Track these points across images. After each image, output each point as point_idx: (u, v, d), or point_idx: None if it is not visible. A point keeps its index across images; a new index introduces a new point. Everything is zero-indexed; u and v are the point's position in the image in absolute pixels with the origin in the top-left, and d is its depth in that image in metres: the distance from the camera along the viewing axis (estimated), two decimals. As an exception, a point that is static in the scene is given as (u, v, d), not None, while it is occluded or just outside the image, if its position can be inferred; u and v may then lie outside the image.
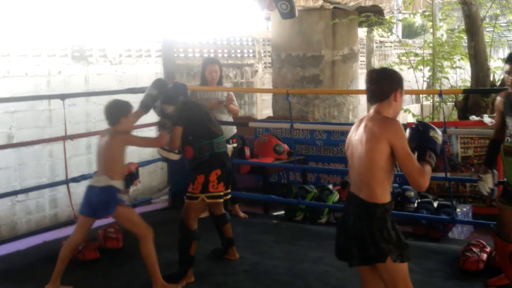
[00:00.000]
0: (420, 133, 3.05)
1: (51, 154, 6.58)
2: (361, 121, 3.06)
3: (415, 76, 9.27)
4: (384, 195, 2.93)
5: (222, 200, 4.56)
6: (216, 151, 4.43)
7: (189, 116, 4.42)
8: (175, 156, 4.55)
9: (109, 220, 6.12)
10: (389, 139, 2.86)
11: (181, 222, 4.48)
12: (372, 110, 3.05)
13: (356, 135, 3.02)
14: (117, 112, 4.19)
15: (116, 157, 4.16)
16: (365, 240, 2.92)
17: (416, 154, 2.99)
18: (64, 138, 5.55)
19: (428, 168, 2.95)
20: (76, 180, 5.70)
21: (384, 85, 3.00)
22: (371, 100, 3.05)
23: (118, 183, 4.17)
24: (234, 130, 6.40)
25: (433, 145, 3.02)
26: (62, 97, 5.67)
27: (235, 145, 6.20)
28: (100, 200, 4.11)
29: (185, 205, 4.50)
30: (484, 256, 4.50)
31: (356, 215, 2.97)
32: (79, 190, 6.84)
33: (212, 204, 4.67)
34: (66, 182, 5.61)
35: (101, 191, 4.11)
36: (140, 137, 4.27)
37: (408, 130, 3.11)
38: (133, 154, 7.55)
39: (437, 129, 3.08)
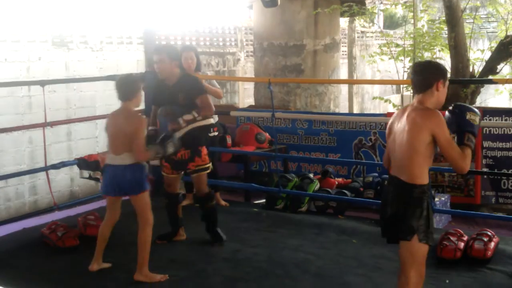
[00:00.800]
0: (458, 116, 3.21)
1: (30, 141, 6.54)
2: (404, 110, 3.24)
3: (396, 66, 9.33)
4: (422, 178, 3.15)
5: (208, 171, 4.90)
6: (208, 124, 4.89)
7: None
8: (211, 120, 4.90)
9: (90, 206, 6.15)
10: (431, 129, 3.07)
11: (208, 193, 4.80)
12: (415, 100, 3.22)
13: (399, 123, 3.21)
14: (132, 89, 4.15)
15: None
16: (399, 218, 3.15)
17: (455, 137, 3.18)
18: (44, 125, 5.51)
19: (468, 151, 3.14)
20: (56, 167, 5.67)
21: (427, 75, 3.18)
22: (415, 90, 3.23)
23: (144, 162, 4.22)
24: (215, 118, 6.39)
25: (470, 128, 3.19)
26: (42, 83, 5.62)
27: (216, 133, 6.20)
28: (128, 178, 4.09)
29: (200, 177, 4.76)
30: (461, 245, 4.57)
31: (395, 195, 3.21)
32: (59, 177, 6.84)
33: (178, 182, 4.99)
34: (46, 169, 5.58)
35: (128, 169, 4.07)
36: (142, 137, 4.11)
37: (446, 114, 3.26)
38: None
39: (474, 110, 3.24)
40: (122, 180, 4.11)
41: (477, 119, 3.20)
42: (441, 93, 3.19)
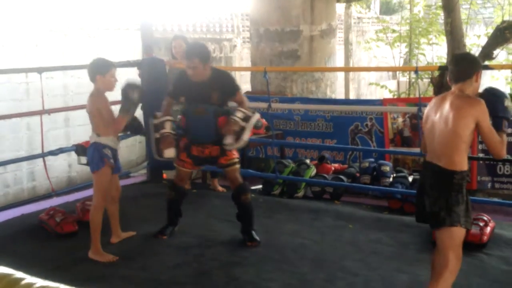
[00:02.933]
0: (496, 102, 3.37)
1: (28, 127, 6.55)
2: (444, 98, 3.36)
3: (392, 52, 9.34)
4: (462, 164, 3.25)
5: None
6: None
7: None
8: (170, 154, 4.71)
9: (88, 192, 6.17)
10: (476, 116, 3.18)
11: (244, 184, 4.78)
12: (455, 89, 3.35)
13: (440, 111, 3.31)
14: (94, 70, 4.30)
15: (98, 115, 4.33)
16: (440, 203, 3.23)
17: (491, 122, 3.30)
18: (42, 112, 5.52)
19: (505, 137, 3.30)
20: (53, 153, 5.68)
21: (467, 66, 3.34)
22: (454, 79, 3.36)
23: (104, 139, 4.31)
24: None
25: (508, 114, 3.36)
26: (39, 70, 5.61)
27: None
28: (89, 156, 4.39)
29: (234, 171, 4.75)
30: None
31: (435, 181, 3.30)
32: (57, 163, 6.86)
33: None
34: (43, 155, 5.59)
35: (89, 147, 4.36)
36: (110, 110, 4.31)
37: (485, 98, 3.37)
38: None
39: (508, 95, 3.42)
40: (87, 159, 4.44)
41: (511, 104, 3.39)
42: (478, 83, 3.37)
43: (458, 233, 3.25)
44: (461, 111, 3.21)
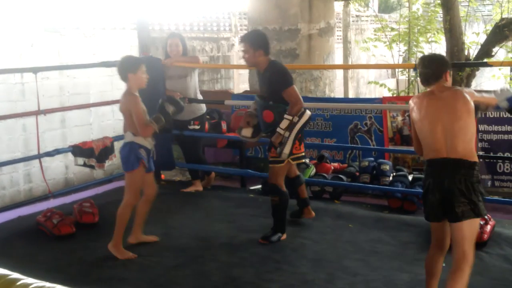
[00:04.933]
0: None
1: (24, 128, 6.49)
2: (430, 96, 3.40)
3: (391, 51, 9.30)
4: (475, 154, 3.30)
5: (303, 160, 4.97)
6: (306, 120, 4.66)
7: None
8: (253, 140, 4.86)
9: (85, 194, 6.13)
10: (472, 98, 3.34)
11: (275, 186, 4.68)
12: (434, 88, 3.41)
13: (432, 107, 3.33)
14: (124, 68, 4.29)
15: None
16: (468, 196, 3.21)
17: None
18: (37, 112, 5.47)
19: None
20: (50, 154, 5.64)
21: (435, 68, 3.40)
22: (427, 82, 3.43)
23: (140, 140, 4.30)
24: (202, 108, 6.35)
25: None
26: (35, 70, 5.57)
27: (197, 127, 6.22)
28: (122, 156, 4.36)
29: (271, 169, 4.69)
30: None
31: (458, 175, 3.23)
32: (54, 164, 6.81)
33: (292, 166, 4.87)
34: (40, 156, 5.55)
35: (124, 146, 4.33)
36: (141, 113, 4.27)
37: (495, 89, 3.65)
38: (109, 127, 7.51)
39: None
40: (121, 157, 4.36)
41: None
42: (449, 82, 3.45)
43: (477, 224, 3.31)
44: (460, 97, 3.30)
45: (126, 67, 4.30)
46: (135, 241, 4.60)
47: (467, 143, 3.26)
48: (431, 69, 3.40)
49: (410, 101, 3.51)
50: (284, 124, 4.52)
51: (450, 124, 3.26)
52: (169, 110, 4.43)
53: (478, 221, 3.31)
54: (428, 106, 3.36)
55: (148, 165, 4.41)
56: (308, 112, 4.63)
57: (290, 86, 4.57)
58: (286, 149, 4.53)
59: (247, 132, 4.83)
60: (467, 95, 3.32)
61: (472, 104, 3.31)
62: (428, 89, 3.46)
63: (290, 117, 4.53)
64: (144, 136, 4.29)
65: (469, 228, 3.24)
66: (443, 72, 3.39)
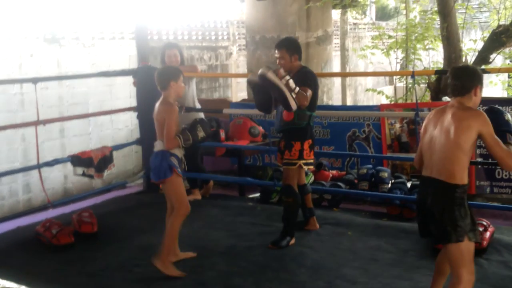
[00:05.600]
0: (497, 117, 3.35)
1: (23, 138, 6.50)
2: (443, 111, 3.29)
3: (389, 58, 9.32)
4: (463, 177, 3.18)
5: (312, 167, 5.10)
6: (310, 123, 4.81)
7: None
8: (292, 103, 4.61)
9: (84, 204, 6.13)
10: (479, 128, 3.13)
11: (289, 186, 4.77)
12: (454, 102, 3.28)
13: (440, 124, 3.25)
14: (168, 77, 4.29)
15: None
16: (444, 219, 3.16)
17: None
18: (37, 123, 5.47)
19: (511, 149, 3.23)
20: (49, 164, 5.65)
21: (466, 80, 3.26)
22: (453, 94, 3.29)
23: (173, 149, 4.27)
24: (200, 117, 6.36)
25: (509, 128, 3.37)
26: (34, 80, 5.58)
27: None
28: (154, 165, 4.28)
29: (285, 171, 4.82)
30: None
31: (436, 196, 3.21)
32: (53, 174, 6.80)
33: (301, 173, 4.98)
34: (39, 166, 5.55)
35: (155, 155, 4.28)
36: (173, 126, 4.22)
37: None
38: (108, 137, 7.53)
39: (507, 113, 3.46)
40: (152, 166, 4.31)
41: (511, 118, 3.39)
42: (478, 97, 3.29)
43: (467, 248, 3.17)
44: (464, 123, 3.14)
45: (169, 75, 4.31)
46: (175, 259, 4.40)
47: (453, 165, 3.15)
48: (460, 81, 3.26)
49: (431, 112, 3.44)
50: (292, 83, 4.53)
51: (443, 145, 3.20)
52: (200, 134, 4.39)
53: (467, 244, 3.15)
54: (434, 122, 3.30)
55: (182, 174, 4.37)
56: (311, 118, 4.78)
57: (309, 87, 4.66)
58: (271, 75, 4.50)
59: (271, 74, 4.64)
60: (474, 125, 3.13)
61: (473, 135, 3.14)
62: (449, 103, 3.32)
63: (296, 91, 4.53)
64: (166, 147, 4.22)
65: (458, 251, 3.16)
66: (472, 86, 3.25)
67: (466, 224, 3.15)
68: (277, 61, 4.83)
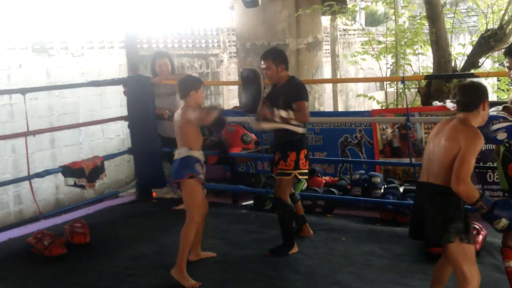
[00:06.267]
0: (490, 217, 3.23)
1: (13, 150, 6.45)
2: (449, 120, 3.39)
3: (379, 64, 9.36)
4: None
5: (307, 177, 5.02)
6: (305, 133, 4.81)
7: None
8: (300, 129, 4.71)
9: (76, 214, 6.09)
10: (463, 143, 3.18)
11: (279, 199, 4.74)
12: (461, 115, 3.36)
13: (441, 133, 3.33)
14: (189, 86, 4.32)
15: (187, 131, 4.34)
16: (437, 221, 3.22)
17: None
18: (26, 134, 5.44)
19: (475, 198, 3.15)
20: (40, 175, 5.60)
21: (473, 97, 3.35)
22: (463, 109, 3.36)
23: (197, 154, 4.31)
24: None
25: (493, 224, 3.25)
26: (23, 91, 5.54)
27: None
28: (174, 168, 4.33)
29: (279, 182, 4.77)
30: (450, 239, 4.58)
31: (432, 198, 3.28)
32: (44, 185, 6.76)
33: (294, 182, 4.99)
34: (29, 177, 5.51)
35: (180, 162, 4.30)
36: (196, 112, 4.26)
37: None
38: (99, 146, 7.49)
39: (504, 219, 3.24)
40: (173, 170, 4.37)
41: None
42: (486, 111, 3.38)
43: (464, 250, 3.22)
44: (454, 137, 3.23)
45: (190, 84, 4.34)
46: (195, 258, 4.57)
47: (449, 172, 3.20)
48: (468, 98, 3.35)
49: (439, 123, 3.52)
50: (283, 113, 4.57)
51: (439, 154, 3.27)
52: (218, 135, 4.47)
53: (463, 247, 3.21)
54: (438, 131, 3.39)
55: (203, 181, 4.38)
56: (305, 129, 4.79)
57: (303, 100, 4.68)
58: (266, 125, 4.62)
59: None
60: (461, 139, 3.18)
61: (457, 147, 3.18)
62: (457, 115, 3.40)
63: (291, 116, 4.59)
64: (209, 119, 4.19)
65: (452, 252, 3.23)
66: (480, 102, 3.33)
67: (459, 226, 3.20)
68: (264, 72, 4.78)
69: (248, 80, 4.73)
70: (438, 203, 3.25)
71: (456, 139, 3.21)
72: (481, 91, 3.39)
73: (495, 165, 6.06)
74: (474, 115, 3.34)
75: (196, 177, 4.26)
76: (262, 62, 4.80)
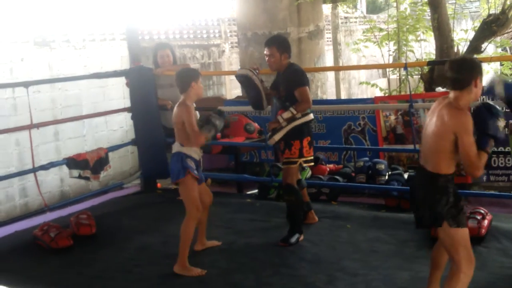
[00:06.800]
0: (489, 119, 3.18)
1: (17, 143, 6.47)
2: (440, 103, 3.26)
3: (381, 51, 9.33)
4: (447, 168, 3.20)
5: (312, 163, 5.02)
6: (313, 119, 4.86)
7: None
8: (308, 117, 4.77)
9: (81, 206, 6.12)
10: (455, 130, 3.09)
11: (289, 185, 4.78)
12: (451, 95, 3.21)
13: (433, 115, 3.25)
14: (189, 78, 4.30)
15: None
16: (427, 206, 3.22)
17: (476, 138, 3.15)
18: (30, 127, 5.45)
19: (485, 158, 3.14)
20: (44, 167, 5.62)
21: (465, 74, 3.18)
22: (452, 87, 3.22)
23: (187, 150, 4.29)
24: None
25: (498, 135, 3.19)
26: (26, 84, 5.55)
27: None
28: (171, 166, 4.32)
29: (286, 170, 4.81)
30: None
31: (422, 184, 3.29)
32: (49, 178, 6.78)
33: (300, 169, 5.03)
34: (34, 170, 5.52)
35: (172, 157, 4.32)
36: (194, 122, 4.24)
37: (475, 113, 3.23)
38: (103, 138, 7.51)
39: (502, 114, 3.23)
40: (171, 167, 4.34)
41: (502, 124, 3.21)
42: (479, 88, 3.20)
43: (455, 233, 3.17)
44: (444, 123, 3.14)
45: (190, 76, 4.32)
46: (201, 248, 4.63)
47: (437, 156, 3.18)
48: (460, 75, 3.17)
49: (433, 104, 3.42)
50: (286, 115, 4.64)
51: (430, 136, 3.23)
52: (216, 123, 4.41)
53: (454, 231, 3.16)
54: (432, 113, 3.30)
55: (199, 175, 4.36)
56: (311, 115, 4.79)
57: (303, 86, 4.68)
58: (277, 136, 4.69)
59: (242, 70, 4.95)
60: (451, 125, 3.09)
61: (450, 135, 3.10)
62: (449, 95, 3.25)
63: (294, 112, 4.63)
64: (196, 145, 4.27)
65: (445, 235, 3.19)
66: (472, 79, 3.15)
67: (447, 211, 3.16)
68: (266, 58, 4.79)
69: (244, 84, 4.83)
70: (426, 189, 3.24)
71: (446, 124, 3.12)
72: (473, 66, 3.20)
73: (499, 149, 6.08)
74: (465, 93, 3.17)
75: (191, 172, 4.26)
76: (266, 49, 4.78)
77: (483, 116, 3.20)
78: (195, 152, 4.34)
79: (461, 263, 3.17)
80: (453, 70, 3.21)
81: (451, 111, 3.14)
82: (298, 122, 4.68)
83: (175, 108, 4.30)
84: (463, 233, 3.20)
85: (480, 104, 3.30)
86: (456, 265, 3.20)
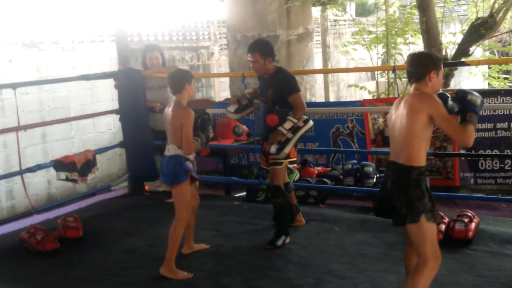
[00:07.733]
0: (460, 99, 3.33)
1: (5, 145, 6.43)
2: (402, 98, 3.37)
3: (370, 54, 9.36)
4: (419, 160, 3.24)
5: (296, 165, 5.06)
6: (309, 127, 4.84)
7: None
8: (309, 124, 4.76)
9: (69, 208, 6.08)
10: (427, 110, 3.17)
11: (277, 187, 4.78)
12: (411, 88, 3.34)
13: (398, 110, 3.32)
14: (182, 80, 4.25)
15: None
16: (400, 201, 3.23)
17: (459, 118, 3.31)
18: (17, 128, 5.41)
19: (470, 127, 3.22)
20: (31, 170, 5.58)
21: (420, 67, 3.29)
22: (410, 80, 3.36)
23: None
24: None
25: (472, 107, 3.29)
26: (13, 86, 5.51)
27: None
28: (168, 169, 4.23)
29: (273, 171, 4.80)
30: (443, 227, 4.60)
31: (394, 178, 3.31)
32: (36, 180, 6.74)
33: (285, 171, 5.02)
34: (21, 172, 5.48)
35: (169, 160, 4.23)
36: (191, 131, 4.20)
37: (449, 100, 3.37)
38: (91, 140, 7.47)
39: (475, 93, 3.36)
40: (165, 170, 4.26)
41: (479, 100, 3.32)
42: (434, 82, 3.29)
43: (427, 229, 3.20)
44: (413, 107, 3.19)
45: (183, 78, 4.27)
46: (189, 251, 4.60)
47: (408, 149, 3.21)
48: (414, 68, 3.30)
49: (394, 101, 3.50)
50: (288, 125, 4.63)
51: (399, 130, 3.27)
52: (211, 135, 4.42)
53: (427, 225, 3.18)
54: (395, 109, 3.36)
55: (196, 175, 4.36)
56: (311, 122, 4.80)
57: (297, 92, 4.73)
58: (287, 149, 4.66)
59: (231, 107, 5.01)
60: (422, 108, 3.17)
61: (423, 119, 3.16)
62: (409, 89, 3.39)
63: (296, 121, 4.65)
64: (186, 153, 4.22)
65: (415, 231, 3.21)
66: (426, 72, 3.26)
67: (423, 205, 3.19)
68: (251, 65, 4.80)
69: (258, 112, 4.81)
70: (399, 183, 3.26)
71: (418, 111, 3.17)
72: (428, 61, 3.29)
73: (486, 152, 6.11)
74: (422, 86, 3.27)
75: (193, 174, 4.26)
76: (249, 55, 4.77)
77: (461, 94, 3.34)
78: (191, 154, 4.33)
79: (428, 258, 3.20)
80: (409, 63, 3.35)
81: (418, 96, 3.25)
82: (303, 131, 4.70)
83: (174, 109, 4.24)
84: (434, 229, 3.25)
85: (458, 90, 3.48)
86: (422, 260, 3.22)
